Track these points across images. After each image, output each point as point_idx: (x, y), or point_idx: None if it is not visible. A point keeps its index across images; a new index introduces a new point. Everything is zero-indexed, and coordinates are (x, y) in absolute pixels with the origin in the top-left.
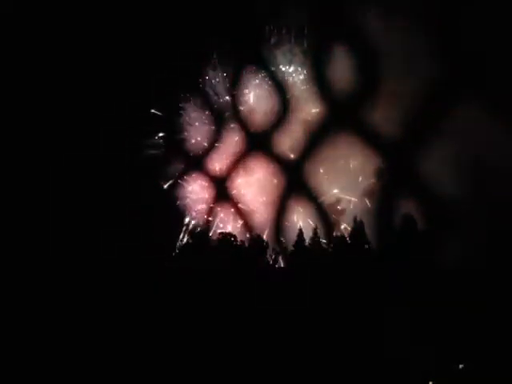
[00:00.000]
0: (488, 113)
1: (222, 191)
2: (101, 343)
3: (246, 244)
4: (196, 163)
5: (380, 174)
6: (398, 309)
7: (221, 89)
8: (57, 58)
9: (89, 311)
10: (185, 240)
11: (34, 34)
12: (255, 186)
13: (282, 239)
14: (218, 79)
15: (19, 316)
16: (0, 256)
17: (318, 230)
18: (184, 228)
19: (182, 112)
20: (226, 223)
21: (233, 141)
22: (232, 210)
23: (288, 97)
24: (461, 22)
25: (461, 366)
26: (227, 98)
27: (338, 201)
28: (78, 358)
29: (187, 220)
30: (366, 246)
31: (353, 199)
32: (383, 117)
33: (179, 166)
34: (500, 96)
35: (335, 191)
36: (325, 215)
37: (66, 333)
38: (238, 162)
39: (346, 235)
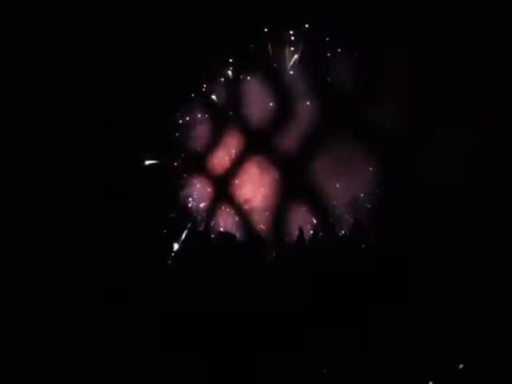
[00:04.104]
0: (490, 113)
1: (222, 191)
2: (105, 341)
3: (246, 243)
4: (197, 163)
5: (383, 173)
6: (398, 308)
7: (222, 89)
8: (57, 58)
9: (91, 310)
10: (185, 239)
11: (34, 34)
12: (257, 186)
13: (282, 238)
14: (219, 79)
15: (24, 314)
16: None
17: (319, 230)
18: (184, 228)
19: (183, 112)
20: (227, 223)
21: (234, 141)
22: (233, 209)
23: (290, 96)
24: (464, 20)
25: (461, 366)
26: (229, 98)
27: (340, 200)
28: (83, 356)
29: (187, 220)
30: (366, 245)
31: (354, 198)
32: (386, 116)
33: (180, 166)
34: (502, 96)
35: (337, 191)
36: (326, 214)
37: (71, 330)
38: (240, 161)
39: (347, 235)
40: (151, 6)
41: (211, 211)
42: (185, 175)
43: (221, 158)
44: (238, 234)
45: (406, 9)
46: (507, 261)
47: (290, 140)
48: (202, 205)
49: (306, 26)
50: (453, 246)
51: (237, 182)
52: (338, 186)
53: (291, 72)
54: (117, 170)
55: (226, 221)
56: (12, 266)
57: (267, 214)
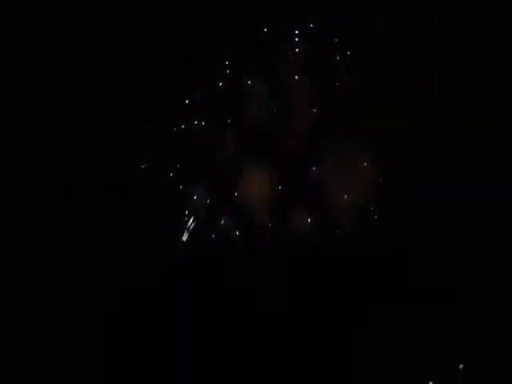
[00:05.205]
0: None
1: (223, 191)
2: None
3: (246, 242)
4: (198, 163)
5: (384, 173)
6: (398, 308)
7: (223, 89)
8: (57, 58)
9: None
10: (186, 239)
11: (34, 34)
12: (258, 186)
13: (282, 236)
14: (219, 80)
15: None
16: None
17: (318, 228)
18: (185, 227)
19: (183, 113)
20: (227, 222)
21: (235, 141)
22: (233, 209)
23: (291, 98)
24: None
25: (461, 366)
26: (230, 99)
27: (339, 199)
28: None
29: (188, 219)
30: (365, 244)
31: (355, 198)
32: (387, 117)
33: (181, 166)
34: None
35: (337, 190)
36: (325, 213)
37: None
38: (241, 162)
39: (346, 233)
40: (151, 6)
41: (212, 212)
42: (185, 176)
43: (222, 159)
44: (238, 234)
45: (406, 9)
46: (507, 262)
47: (291, 141)
48: (202, 205)
49: (306, 26)
50: (453, 247)
51: (238, 182)
52: (339, 186)
53: (292, 72)
54: (117, 170)
55: (227, 221)
56: (11, 265)
57: (268, 213)
